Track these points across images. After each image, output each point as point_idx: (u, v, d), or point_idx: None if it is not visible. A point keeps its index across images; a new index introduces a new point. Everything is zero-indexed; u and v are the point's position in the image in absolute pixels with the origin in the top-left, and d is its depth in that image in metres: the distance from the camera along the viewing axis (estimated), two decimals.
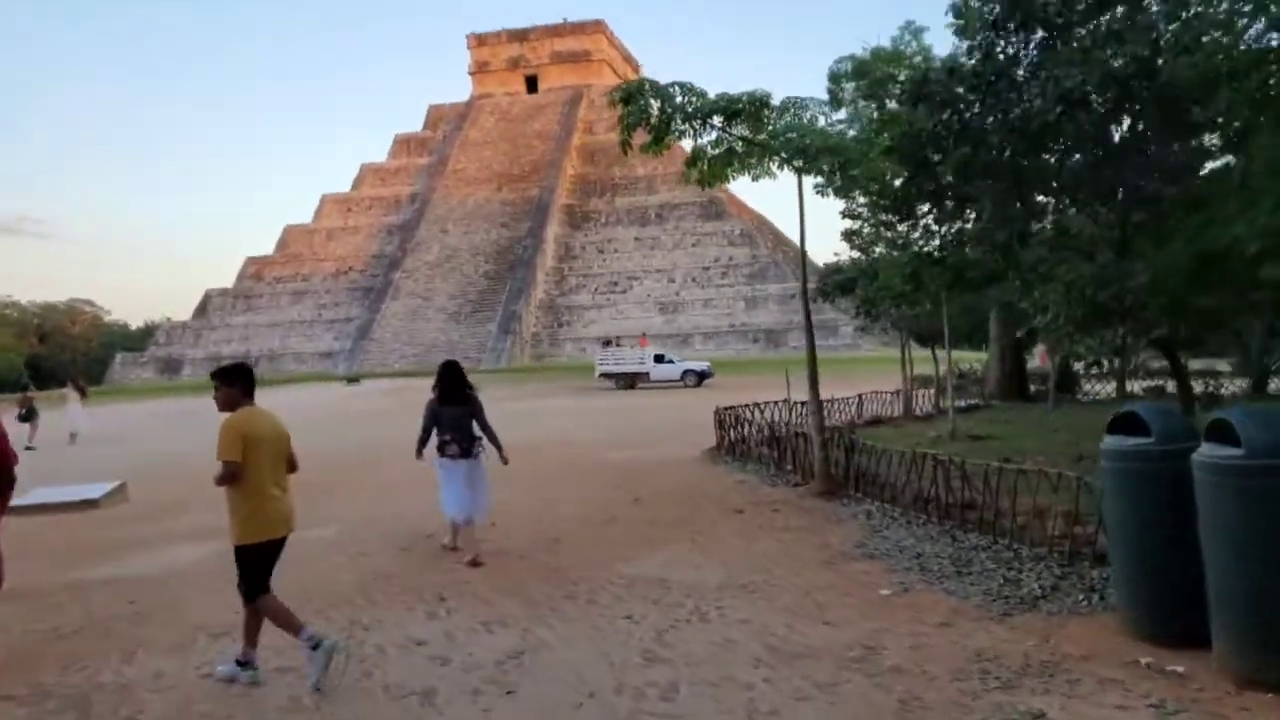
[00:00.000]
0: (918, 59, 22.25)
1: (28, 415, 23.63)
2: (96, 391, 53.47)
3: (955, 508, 7.33)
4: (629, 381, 39.16)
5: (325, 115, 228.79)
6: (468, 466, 7.87)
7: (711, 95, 8.51)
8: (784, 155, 8.88)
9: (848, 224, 17.40)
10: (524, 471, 13.08)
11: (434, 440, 8.04)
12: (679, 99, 8.34)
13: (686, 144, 10.13)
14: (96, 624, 6.41)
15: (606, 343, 46.74)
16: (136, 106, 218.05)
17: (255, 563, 5.04)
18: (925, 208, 12.86)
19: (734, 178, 9.39)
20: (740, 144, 9.04)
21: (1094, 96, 6.92)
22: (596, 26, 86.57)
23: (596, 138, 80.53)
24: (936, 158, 8.26)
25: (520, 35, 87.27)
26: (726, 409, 13.95)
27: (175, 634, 6.05)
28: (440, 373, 8.16)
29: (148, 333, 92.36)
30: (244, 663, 5.12)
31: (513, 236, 71.20)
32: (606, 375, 39.84)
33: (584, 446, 16.22)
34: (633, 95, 8.24)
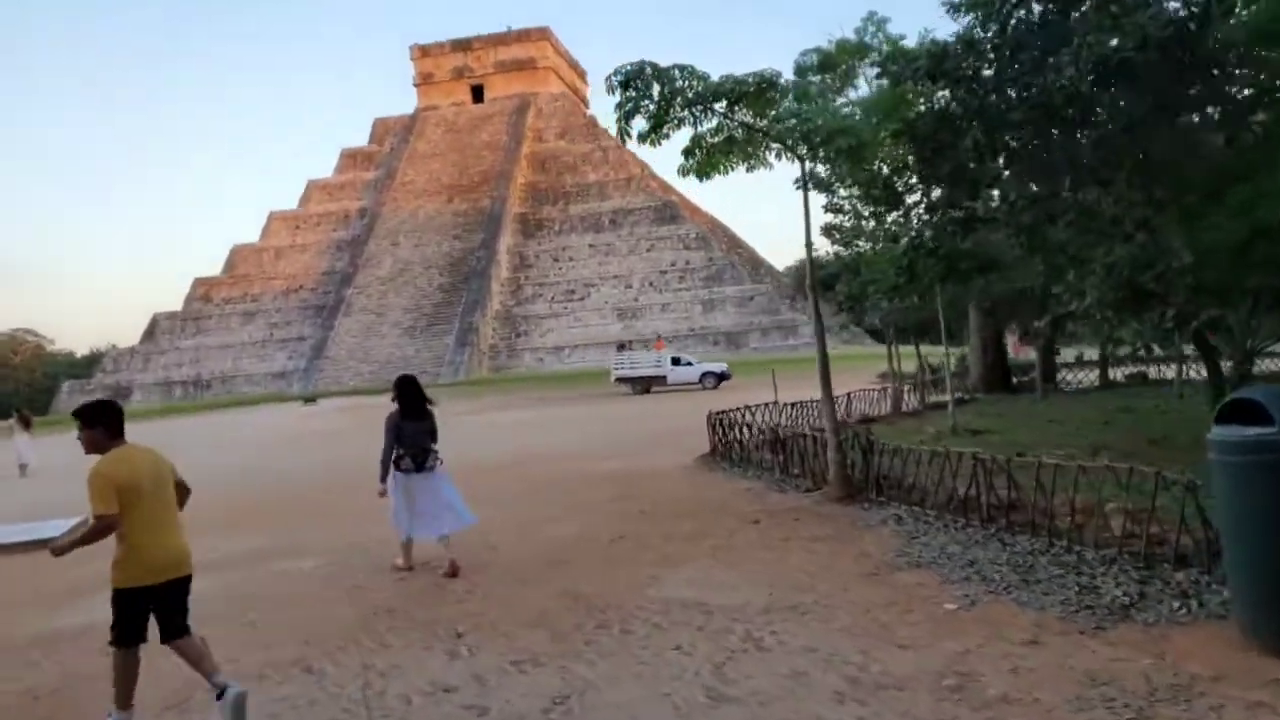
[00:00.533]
0: (884, 50, 22.13)
1: None
2: (44, 421, 51.31)
3: (1000, 509, 6.92)
4: (645, 385, 37.59)
5: (269, 132, 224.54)
6: (424, 480, 7.83)
7: (714, 78, 8.01)
8: (788, 141, 8.43)
9: (829, 218, 17.07)
10: (511, 488, 12.50)
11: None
12: (680, 83, 7.82)
13: (668, 145, 9.65)
14: (76, 682, 5.72)
15: (621, 346, 45.10)
16: (71, 130, 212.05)
17: (129, 609, 4.74)
18: (915, 197, 12.53)
19: (731, 168, 8.94)
20: (741, 131, 8.57)
21: (1134, 62, 6.55)
22: (541, 34, 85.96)
23: (546, 145, 79.96)
24: (953, 138, 7.86)
25: (464, 45, 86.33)
26: (718, 413, 13.47)
27: (166, 690, 5.39)
28: (401, 388, 8.03)
29: (93, 360, 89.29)
30: (220, 693, 4.68)
31: (466, 248, 70.21)
32: (623, 380, 38.19)
33: (567, 458, 15.63)
34: (633, 79, 7.71)
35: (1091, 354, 32.18)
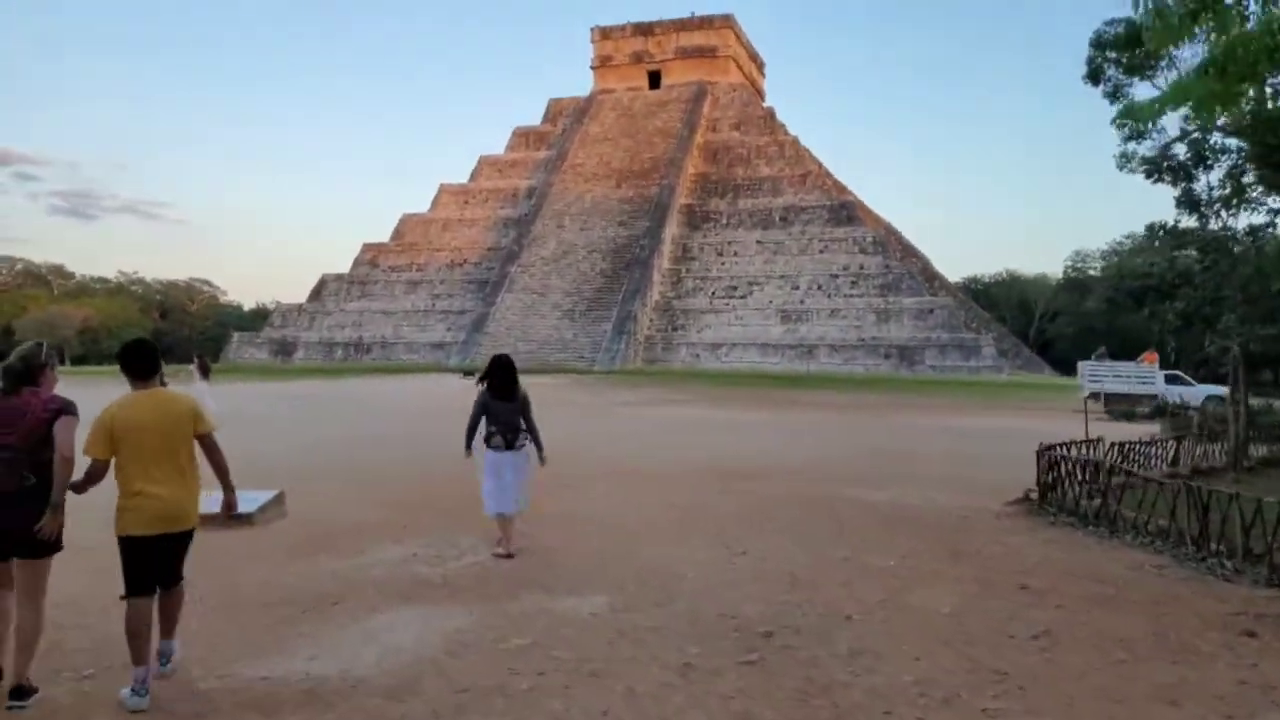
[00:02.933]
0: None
1: None
2: (214, 370, 52.93)
3: None
4: (1129, 407, 28.04)
5: (445, 106, 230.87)
6: (513, 458, 8.02)
7: None
8: None
9: (1168, 217, 13.70)
10: (779, 513, 9.80)
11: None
12: None
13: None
14: None
15: (1098, 355, 34.58)
16: (257, 95, 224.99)
17: (129, 558, 4.70)
18: None
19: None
20: None
21: None
22: (725, 21, 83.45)
23: (720, 135, 77.52)
24: None
25: (645, 29, 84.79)
26: (1047, 447, 10.57)
27: None
28: (493, 367, 8.19)
29: (260, 314, 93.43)
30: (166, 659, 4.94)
31: (630, 235, 68.66)
32: (1101, 396, 28.97)
33: (810, 478, 13.02)
34: None
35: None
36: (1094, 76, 19.09)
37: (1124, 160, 19.48)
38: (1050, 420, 24.91)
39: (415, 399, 32.90)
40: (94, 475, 4.65)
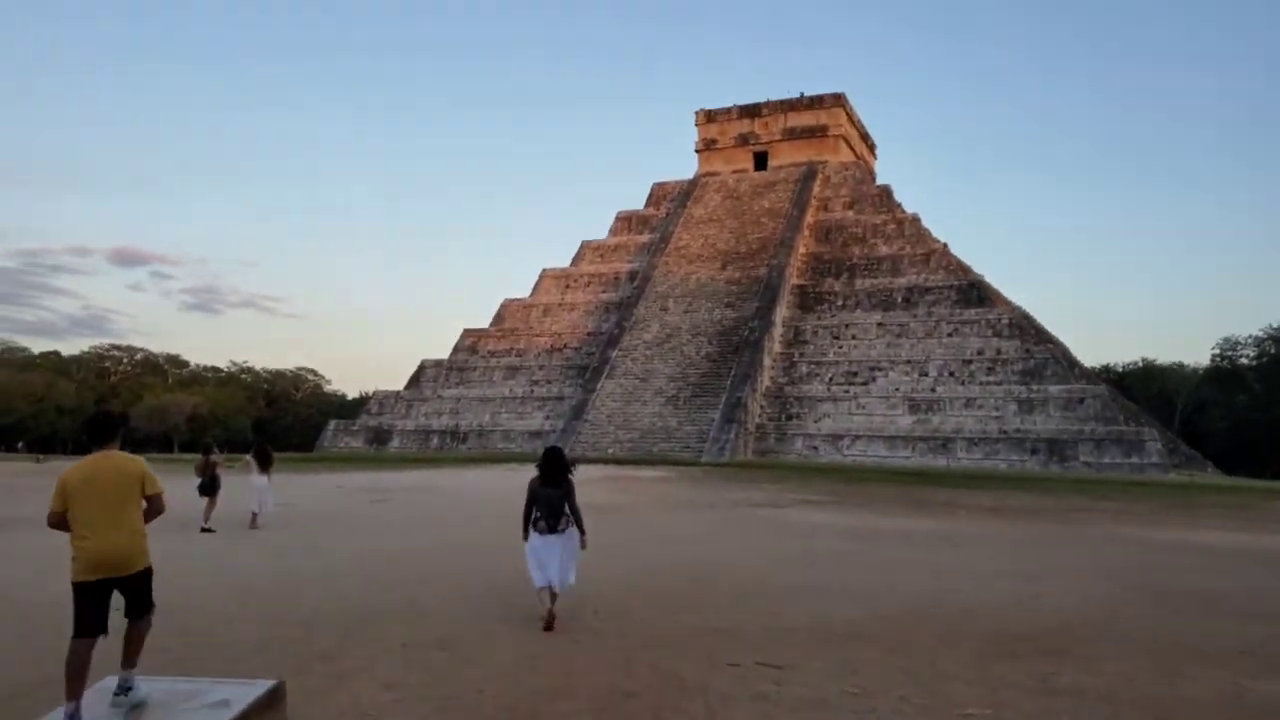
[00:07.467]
0: None
1: (209, 486, 18.45)
2: (306, 458, 50.45)
3: None
4: None
5: (548, 192, 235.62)
6: (559, 541, 8.78)
7: None
8: None
9: None
10: None
11: None
12: None
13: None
14: None
15: None
16: (365, 184, 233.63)
17: (78, 601, 5.29)
18: None
19: None
20: None
21: None
22: (836, 100, 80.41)
23: (833, 215, 73.53)
24: None
25: (751, 110, 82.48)
26: None
27: None
28: (545, 458, 9.08)
29: (361, 402, 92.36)
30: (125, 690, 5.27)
31: (738, 317, 64.58)
32: None
33: (1153, 657, 8.14)
34: None
35: None
36: None
37: None
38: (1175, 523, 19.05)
39: (511, 495, 28.78)
40: (54, 525, 5.48)
